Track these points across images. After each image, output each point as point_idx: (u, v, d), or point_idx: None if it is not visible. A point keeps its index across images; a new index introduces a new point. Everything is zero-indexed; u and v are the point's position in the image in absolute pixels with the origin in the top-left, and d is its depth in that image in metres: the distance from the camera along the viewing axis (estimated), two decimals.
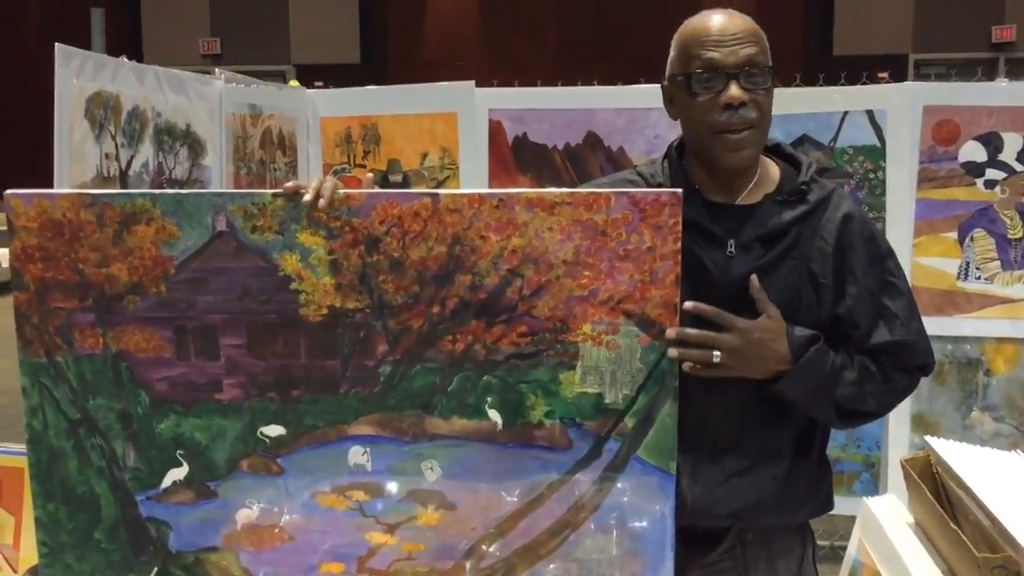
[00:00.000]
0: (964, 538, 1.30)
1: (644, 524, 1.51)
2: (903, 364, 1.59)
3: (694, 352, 1.47)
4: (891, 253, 1.62)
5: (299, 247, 1.49)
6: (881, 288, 1.58)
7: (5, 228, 1.51)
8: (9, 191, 1.51)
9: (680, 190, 1.47)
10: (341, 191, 1.48)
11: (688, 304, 1.48)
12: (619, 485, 1.51)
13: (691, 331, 1.47)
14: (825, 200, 1.58)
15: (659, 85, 1.63)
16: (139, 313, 1.51)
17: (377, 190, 1.53)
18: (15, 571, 2.17)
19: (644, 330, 1.48)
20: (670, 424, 1.49)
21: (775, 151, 1.66)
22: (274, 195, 1.48)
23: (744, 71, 1.49)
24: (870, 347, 1.57)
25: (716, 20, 1.52)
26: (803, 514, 1.64)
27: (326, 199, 1.46)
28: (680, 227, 1.46)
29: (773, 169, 1.62)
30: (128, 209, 1.49)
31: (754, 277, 1.51)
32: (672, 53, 1.58)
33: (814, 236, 1.56)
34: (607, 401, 1.50)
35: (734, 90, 1.49)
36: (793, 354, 1.50)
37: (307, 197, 1.46)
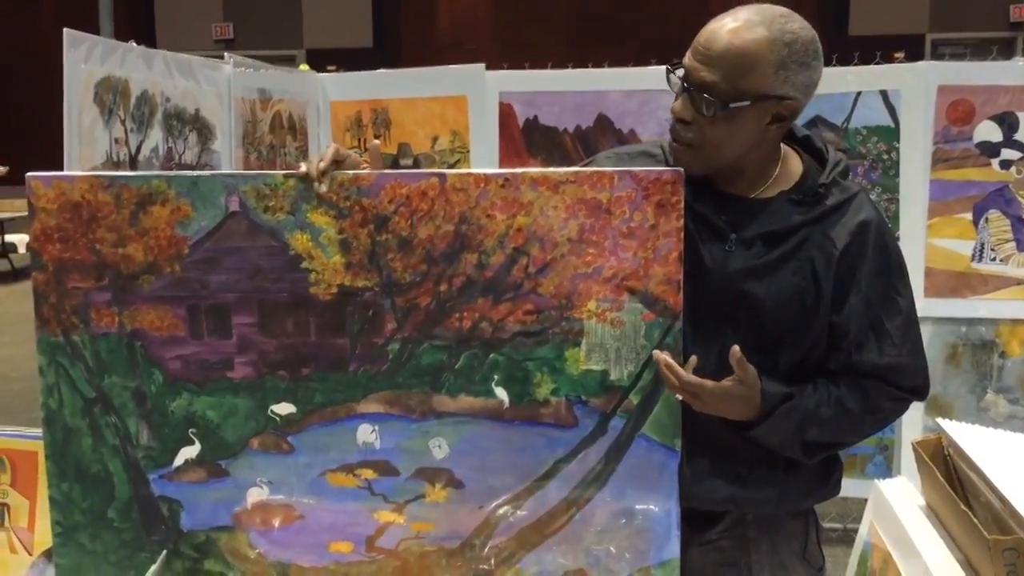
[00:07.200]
0: (975, 520, 1.29)
1: (650, 501, 1.52)
2: (894, 387, 1.51)
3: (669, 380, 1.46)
4: (901, 269, 1.53)
5: (310, 227, 1.50)
6: (881, 302, 1.50)
7: (23, 214, 1.52)
8: (30, 173, 1.53)
9: (681, 168, 1.47)
10: (350, 172, 1.49)
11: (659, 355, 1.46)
12: (625, 462, 1.51)
13: (668, 375, 1.45)
14: (844, 204, 1.50)
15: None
16: (154, 292, 1.53)
17: (386, 171, 1.54)
18: (30, 554, 2.20)
19: (648, 307, 1.48)
20: (674, 401, 1.49)
21: (804, 144, 1.58)
22: (285, 176, 1.50)
23: (693, 91, 1.44)
24: (858, 367, 1.50)
25: (709, 29, 1.44)
26: (807, 503, 1.61)
27: (326, 161, 1.47)
28: (682, 204, 1.46)
29: (796, 164, 1.55)
30: (144, 190, 1.51)
31: (736, 349, 1.42)
32: None
33: (824, 240, 1.48)
34: (612, 378, 1.50)
35: (677, 103, 1.47)
36: (763, 408, 1.46)
37: (303, 168, 1.47)
